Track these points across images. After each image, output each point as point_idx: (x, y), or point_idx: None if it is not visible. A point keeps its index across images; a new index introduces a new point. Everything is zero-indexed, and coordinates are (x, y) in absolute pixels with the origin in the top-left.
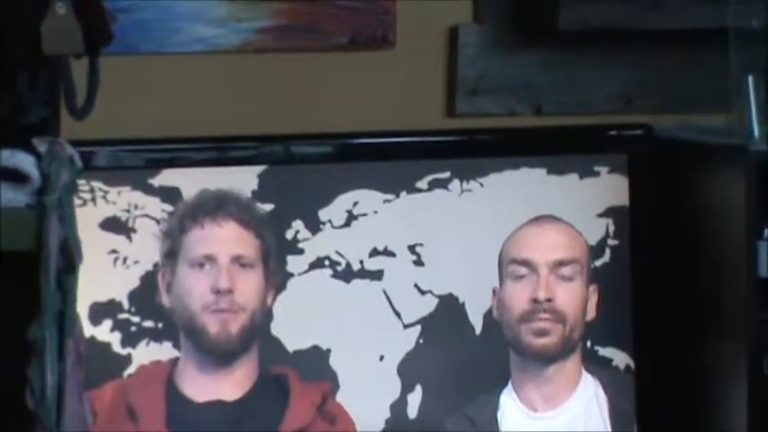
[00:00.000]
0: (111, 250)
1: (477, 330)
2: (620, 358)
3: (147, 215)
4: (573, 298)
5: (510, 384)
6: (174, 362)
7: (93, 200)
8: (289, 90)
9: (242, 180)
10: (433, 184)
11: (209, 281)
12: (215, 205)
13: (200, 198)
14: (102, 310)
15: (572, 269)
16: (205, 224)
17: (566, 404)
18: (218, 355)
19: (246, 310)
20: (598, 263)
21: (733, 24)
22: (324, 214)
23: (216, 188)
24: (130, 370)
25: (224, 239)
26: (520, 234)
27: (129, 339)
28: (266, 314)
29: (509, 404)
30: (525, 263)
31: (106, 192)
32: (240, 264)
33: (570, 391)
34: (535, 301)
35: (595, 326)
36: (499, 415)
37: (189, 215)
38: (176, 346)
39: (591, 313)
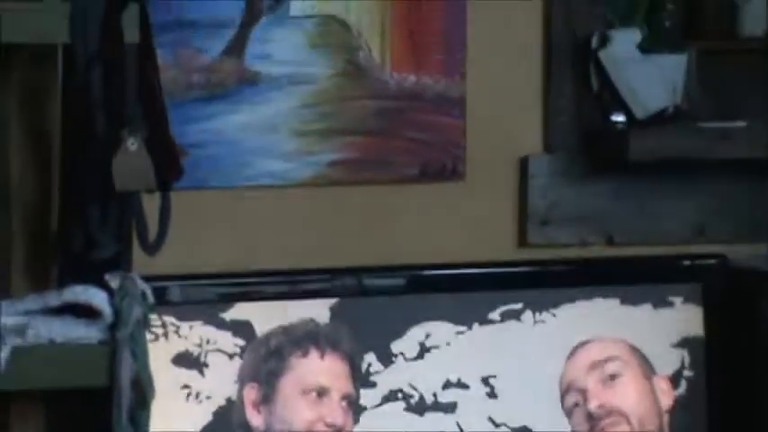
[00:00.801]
0: (183, 385)
1: None
2: None
3: (219, 350)
4: (626, 391)
5: None
6: None
7: (166, 335)
8: (360, 222)
9: (314, 313)
10: (506, 316)
11: (321, 412)
12: (323, 336)
13: (305, 326)
14: None
15: (615, 366)
16: (312, 354)
17: None
18: None
19: None
20: (675, 393)
21: None
22: (396, 346)
23: (316, 319)
24: None
25: (336, 374)
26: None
27: None
28: None
29: None
30: (571, 385)
31: (178, 327)
32: (348, 401)
33: None
34: (591, 416)
35: None
36: None
37: (295, 342)
38: None
39: (666, 402)
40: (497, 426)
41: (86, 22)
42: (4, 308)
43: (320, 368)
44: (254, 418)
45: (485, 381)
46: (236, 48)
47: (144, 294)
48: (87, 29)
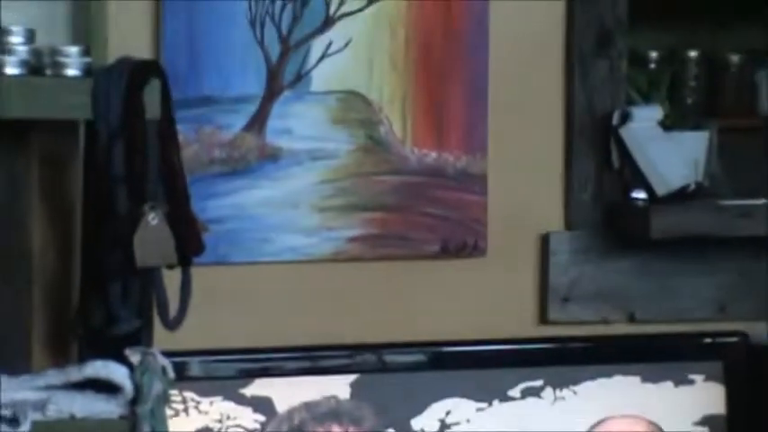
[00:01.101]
0: None
1: None
2: None
3: (239, 426)
4: None
5: None
6: None
7: (186, 410)
8: (381, 298)
9: (335, 389)
10: (526, 392)
11: None
12: (345, 413)
13: (327, 403)
14: None
15: None
16: (334, 430)
17: None
18: None
19: None
20: None
21: None
22: (417, 423)
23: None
24: None
25: None
26: None
27: None
28: None
29: None
30: None
31: (198, 402)
32: None
33: None
34: None
35: None
36: None
37: (317, 418)
38: None
39: None
40: None
41: (108, 97)
42: (25, 382)
43: None
44: None
45: None
46: (257, 123)
47: (164, 370)
48: (109, 104)
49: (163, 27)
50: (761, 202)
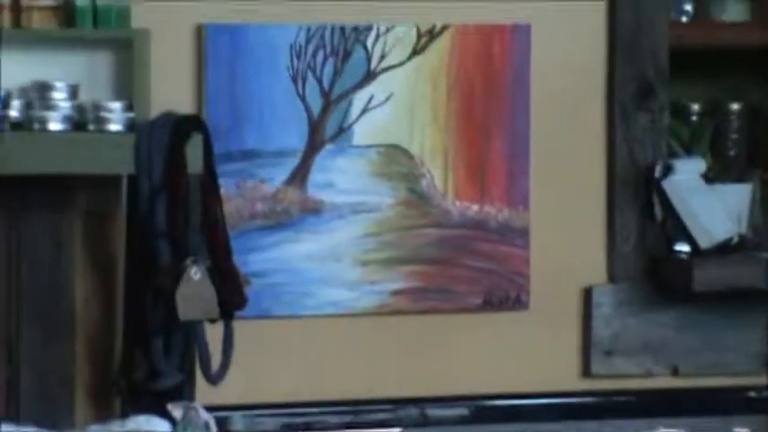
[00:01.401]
0: None
1: None
2: None
3: None
4: None
5: None
6: None
7: None
8: (423, 351)
9: None
10: None
11: None
12: None
13: None
14: None
15: None
16: None
17: None
18: None
19: None
20: None
21: None
22: None
23: None
24: None
25: None
26: None
27: None
28: None
29: None
30: None
31: None
32: None
33: None
34: None
35: None
36: None
37: None
38: None
39: None
40: None
41: (151, 152)
42: None
43: None
44: None
45: None
46: (299, 176)
47: (207, 425)
48: (152, 159)
49: (205, 81)
50: None
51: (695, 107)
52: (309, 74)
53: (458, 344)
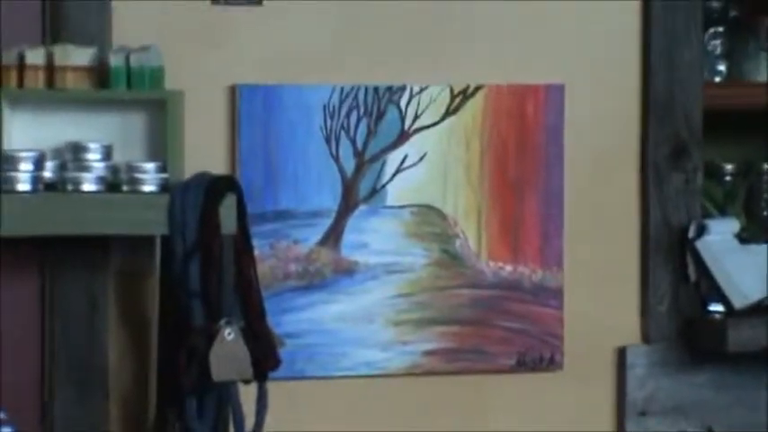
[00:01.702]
0: None
1: None
2: None
3: None
4: None
5: None
6: None
7: None
8: (456, 412)
9: None
10: None
11: None
12: None
13: None
14: None
15: None
16: None
17: None
18: None
19: None
20: None
21: None
22: None
23: None
24: None
25: None
26: None
27: None
28: None
29: None
30: None
31: None
32: None
33: None
34: None
35: None
36: None
37: None
38: None
39: None
40: None
41: (185, 213)
42: None
43: None
44: None
45: None
46: (333, 237)
47: None
48: (185, 220)
49: (239, 142)
50: None
51: (729, 167)
52: (343, 134)
53: (491, 405)
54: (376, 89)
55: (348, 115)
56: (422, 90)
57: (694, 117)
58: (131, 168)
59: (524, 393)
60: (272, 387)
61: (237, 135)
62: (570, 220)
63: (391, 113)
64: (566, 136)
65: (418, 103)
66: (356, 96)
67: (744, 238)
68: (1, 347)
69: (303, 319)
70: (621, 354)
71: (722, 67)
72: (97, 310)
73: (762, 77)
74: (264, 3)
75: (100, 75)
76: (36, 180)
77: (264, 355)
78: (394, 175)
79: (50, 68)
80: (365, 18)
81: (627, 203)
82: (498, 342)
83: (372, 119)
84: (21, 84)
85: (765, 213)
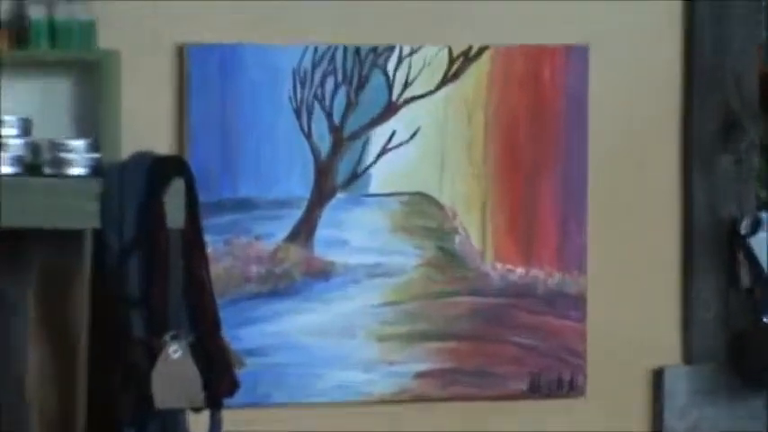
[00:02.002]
0: None
1: None
2: None
3: None
4: None
5: None
6: None
7: None
8: None
9: None
10: None
11: None
12: None
13: None
14: None
15: None
16: None
17: None
18: None
19: None
20: None
21: None
22: None
23: None
24: None
25: None
26: None
27: None
28: None
29: None
30: None
31: None
32: None
33: None
34: None
35: None
36: None
37: None
38: None
39: None
40: None
41: (122, 202)
42: None
43: None
44: None
45: None
46: (304, 232)
47: None
48: (123, 211)
49: (188, 115)
50: None
51: None
52: (316, 105)
53: None
54: (357, 50)
55: (323, 82)
56: (413, 51)
57: (748, 84)
58: (55, 146)
59: (538, 424)
60: (227, 416)
61: (187, 106)
62: (595, 213)
63: (376, 80)
64: (590, 108)
65: (409, 68)
66: (333, 58)
67: None
68: None
69: (267, 333)
70: (658, 376)
71: None
72: (13, 320)
73: None
74: None
75: (17, 31)
76: None
77: (218, 378)
78: (379, 155)
79: None
80: None
81: (665, 191)
82: (506, 362)
83: (353, 87)
84: None
85: None
